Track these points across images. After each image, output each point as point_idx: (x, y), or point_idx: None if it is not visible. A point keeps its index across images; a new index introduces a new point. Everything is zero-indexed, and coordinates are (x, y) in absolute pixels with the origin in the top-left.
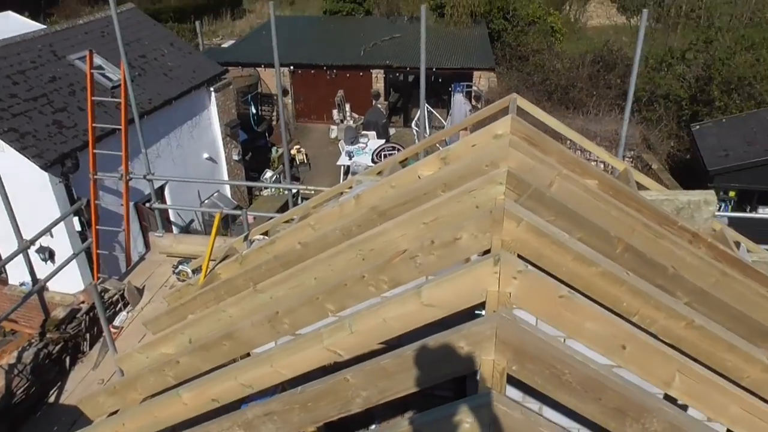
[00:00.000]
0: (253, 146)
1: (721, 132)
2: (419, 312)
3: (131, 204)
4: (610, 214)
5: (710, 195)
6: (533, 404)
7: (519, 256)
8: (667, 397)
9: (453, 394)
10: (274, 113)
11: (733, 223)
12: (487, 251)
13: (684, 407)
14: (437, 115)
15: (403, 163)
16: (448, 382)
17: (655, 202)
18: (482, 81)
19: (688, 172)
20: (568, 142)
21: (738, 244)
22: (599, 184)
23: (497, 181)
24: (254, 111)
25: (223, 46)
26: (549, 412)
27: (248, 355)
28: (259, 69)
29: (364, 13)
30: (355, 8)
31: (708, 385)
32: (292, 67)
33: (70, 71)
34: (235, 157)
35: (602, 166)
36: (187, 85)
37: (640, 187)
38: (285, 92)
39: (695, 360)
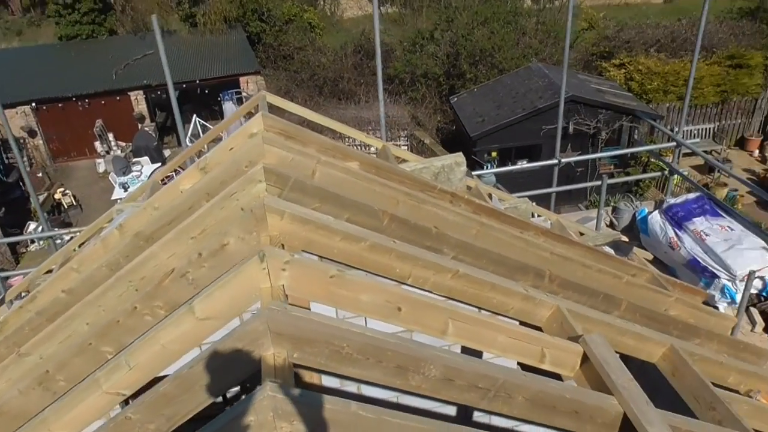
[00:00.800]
0: (7, 200)
1: (475, 101)
2: (197, 328)
3: None
4: (373, 190)
5: (459, 157)
6: (351, 387)
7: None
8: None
9: None
10: (26, 159)
11: (500, 178)
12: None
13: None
14: (211, 127)
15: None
16: None
17: (415, 171)
18: (251, 85)
19: (455, 142)
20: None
21: (490, 196)
22: (360, 164)
23: (256, 179)
24: None
25: None
26: (367, 390)
27: None
28: None
29: (107, 33)
30: (95, 29)
31: (476, 324)
32: (34, 104)
33: None
34: None
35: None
36: None
37: (400, 161)
38: (33, 133)
39: (470, 306)
